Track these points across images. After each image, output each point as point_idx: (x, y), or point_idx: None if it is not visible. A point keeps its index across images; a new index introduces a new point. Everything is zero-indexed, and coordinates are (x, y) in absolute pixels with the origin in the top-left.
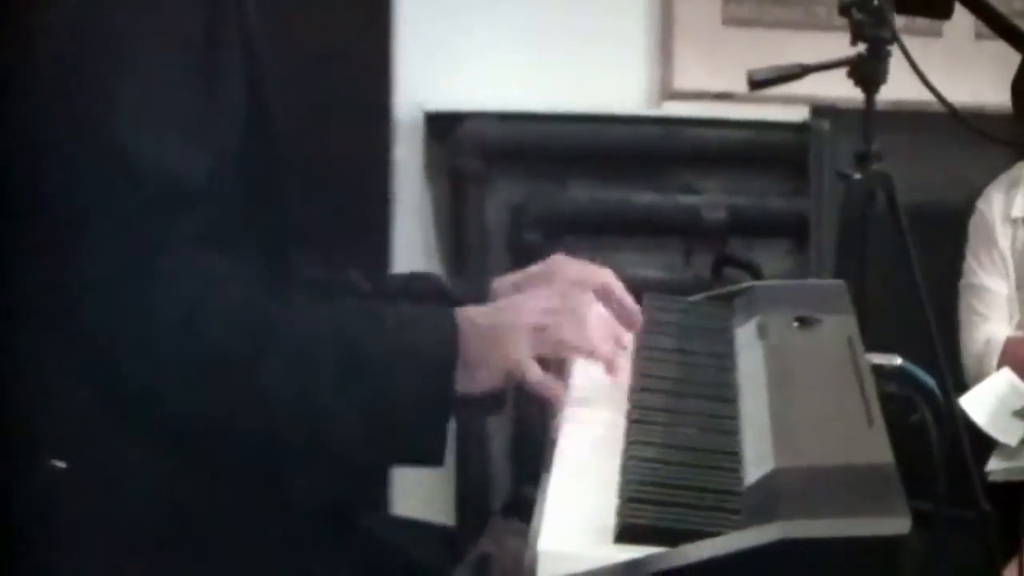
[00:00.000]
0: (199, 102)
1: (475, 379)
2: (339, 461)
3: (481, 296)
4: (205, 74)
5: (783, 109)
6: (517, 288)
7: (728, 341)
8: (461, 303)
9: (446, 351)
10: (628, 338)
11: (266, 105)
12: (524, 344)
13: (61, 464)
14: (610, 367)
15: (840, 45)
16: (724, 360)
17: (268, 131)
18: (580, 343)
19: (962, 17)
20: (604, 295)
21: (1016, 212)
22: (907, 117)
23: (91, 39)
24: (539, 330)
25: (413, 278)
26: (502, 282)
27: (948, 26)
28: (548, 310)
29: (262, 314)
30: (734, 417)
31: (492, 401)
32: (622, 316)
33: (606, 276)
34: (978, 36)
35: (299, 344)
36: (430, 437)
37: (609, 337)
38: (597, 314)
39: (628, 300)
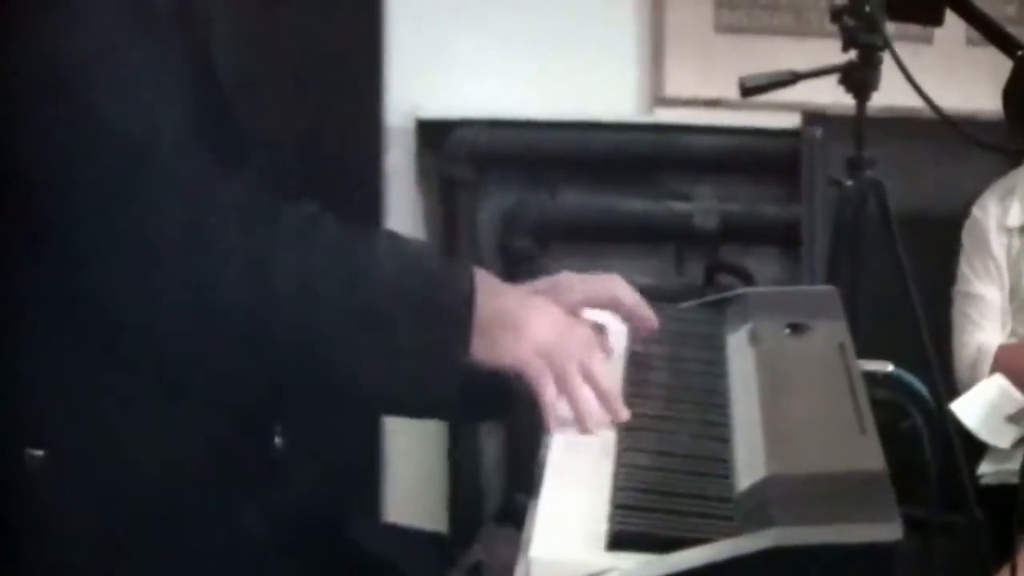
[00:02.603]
0: None
1: (492, 349)
2: (348, 395)
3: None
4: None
5: (775, 116)
6: None
7: (720, 348)
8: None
9: (464, 287)
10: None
11: (236, 122)
12: (527, 351)
13: (39, 452)
14: (583, 428)
15: (832, 52)
16: (716, 367)
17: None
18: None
19: (954, 24)
20: (615, 309)
21: (1011, 221)
22: (899, 124)
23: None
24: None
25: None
26: None
27: (940, 33)
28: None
29: (264, 243)
30: (726, 424)
31: (499, 403)
32: (635, 323)
33: (615, 289)
34: (970, 43)
35: (306, 273)
36: (442, 379)
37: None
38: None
39: (640, 308)
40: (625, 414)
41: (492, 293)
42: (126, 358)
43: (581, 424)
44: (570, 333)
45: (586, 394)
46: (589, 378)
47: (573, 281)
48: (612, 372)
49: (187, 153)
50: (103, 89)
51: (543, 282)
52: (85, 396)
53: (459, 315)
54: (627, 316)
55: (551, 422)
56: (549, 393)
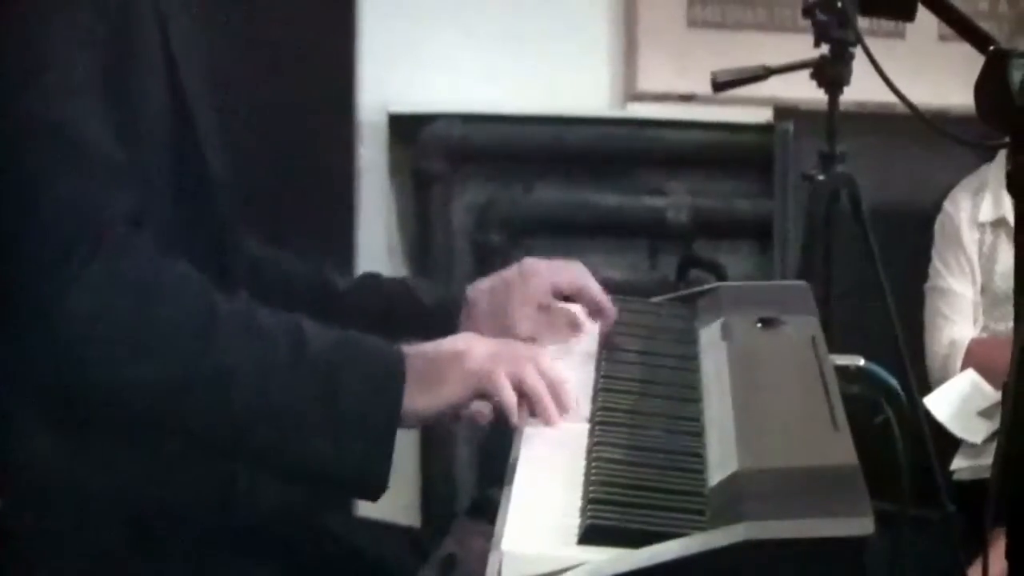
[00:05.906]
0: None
1: (438, 395)
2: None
3: (452, 306)
4: (119, 96)
5: (747, 111)
6: (491, 293)
7: (692, 342)
8: (431, 308)
9: (394, 359)
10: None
11: (192, 119)
12: (476, 361)
13: None
14: (546, 418)
15: (804, 47)
16: (688, 361)
17: (196, 143)
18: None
19: (925, 19)
20: (577, 296)
21: (983, 216)
22: (871, 119)
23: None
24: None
25: (383, 281)
26: (476, 287)
27: (911, 28)
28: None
29: (212, 295)
30: (698, 418)
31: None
32: (595, 311)
33: (577, 276)
34: (941, 38)
35: (248, 332)
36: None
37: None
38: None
39: (601, 298)
40: (577, 410)
41: (419, 348)
42: (83, 415)
43: (545, 418)
44: (509, 344)
45: (543, 388)
46: (542, 373)
47: (538, 265)
48: (581, 371)
49: (134, 234)
50: (57, 155)
51: (510, 270)
52: (45, 442)
53: (396, 372)
54: (590, 304)
55: (515, 419)
56: (506, 392)
